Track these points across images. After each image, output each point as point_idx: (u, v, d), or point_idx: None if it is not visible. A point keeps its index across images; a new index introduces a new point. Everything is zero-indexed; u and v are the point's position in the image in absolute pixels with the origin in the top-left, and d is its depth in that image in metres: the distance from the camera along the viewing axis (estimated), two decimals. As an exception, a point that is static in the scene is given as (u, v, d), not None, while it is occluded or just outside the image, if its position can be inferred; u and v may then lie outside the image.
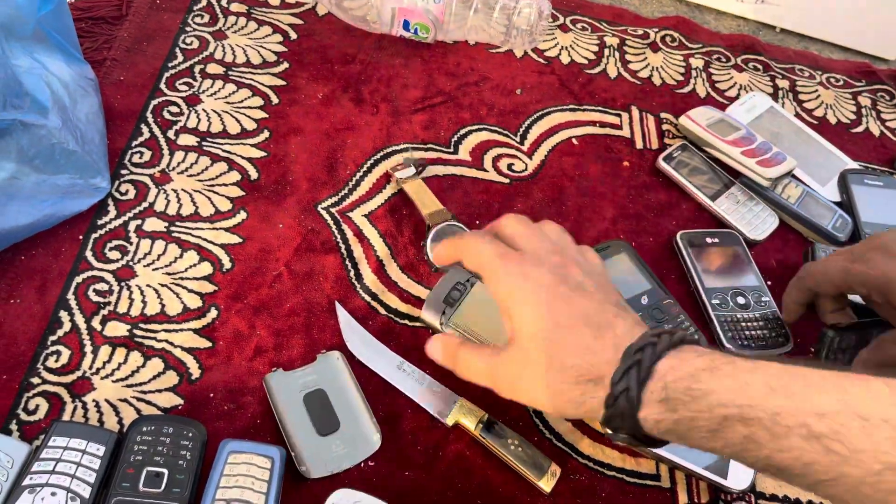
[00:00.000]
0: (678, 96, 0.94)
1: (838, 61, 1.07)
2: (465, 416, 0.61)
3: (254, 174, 0.74)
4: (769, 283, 0.76)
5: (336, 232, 0.72)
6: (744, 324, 0.70)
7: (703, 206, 0.82)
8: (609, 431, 0.47)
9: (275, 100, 0.80)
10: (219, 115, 0.78)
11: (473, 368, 0.52)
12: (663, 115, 0.91)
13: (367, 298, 0.68)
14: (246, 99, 0.80)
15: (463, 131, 0.83)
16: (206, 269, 0.67)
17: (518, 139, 0.84)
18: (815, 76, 1.02)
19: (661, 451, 0.61)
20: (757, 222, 0.80)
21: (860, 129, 0.97)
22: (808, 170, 0.88)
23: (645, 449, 0.61)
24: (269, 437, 0.59)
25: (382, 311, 0.68)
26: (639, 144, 0.87)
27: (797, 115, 0.96)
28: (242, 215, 0.71)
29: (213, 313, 0.64)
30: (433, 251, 0.58)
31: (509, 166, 0.82)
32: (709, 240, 0.77)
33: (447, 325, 0.64)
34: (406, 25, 0.86)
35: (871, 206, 0.84)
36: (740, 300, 0.72)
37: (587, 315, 0.47)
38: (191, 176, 0.72)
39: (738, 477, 0.62)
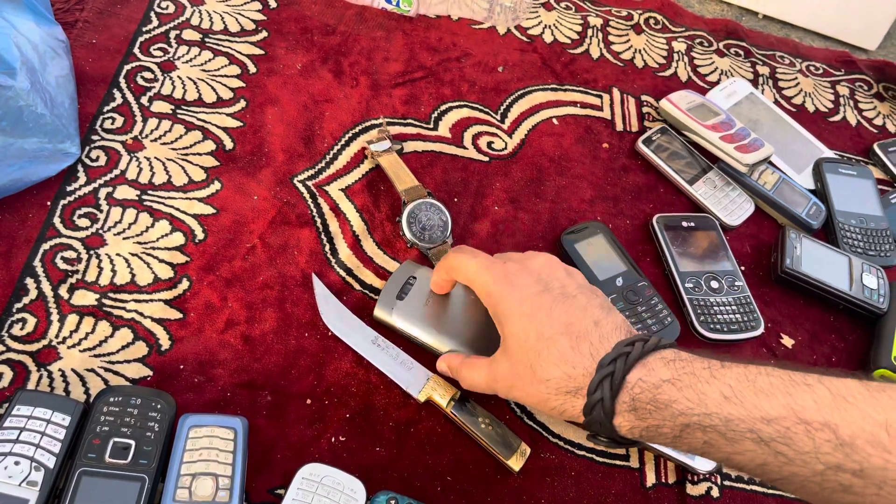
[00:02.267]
0: (660, 79, 0.94)
1: (819, 49, 1.07)
2: (438, 393, 0.61)
3: (229, 144, 0.73)
4: (743, 268, 0.77)
5: (312, 205, 0.71)
6: (716, 308, 0.71)
7: (680, 189, 0.82)
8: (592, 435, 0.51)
9: (252, 69, 0.79)
10: (194, 83, 0.76)
11: (475, 381, 0.56)
12: (644, 97, 0.91)
13: (342, 273, 0.67)
14: (223, 67, 0.78)
15: (443, 107, 0.82)
16: (179, 239, 0.66)
17: (499, 117, 0.84)
18: (796, 63, 1.03)
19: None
20: (733, 207, 0.81)
21: (837, 117, 0.98)
22: (785, 157, 0.89)
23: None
24: (239, 409, 0.58)
25: (357, 286, 0.67)
26: (619, 126, 0.87)
27: (776, 102, 0.96)
28: (216, 186, 0.70)
29: (184, 284, 0.63)
30: (432, 284, 0.63)
31: (489, 144, 0.81)
32: (685, 224, 0.78)
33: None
34: (388, -3, 0.85)
35: (844, 195, 0.85)
36: (713, 284, 0.73)
37: (568, 323, 0.50)
38: (164, 144, 0.71)
39: (706, 459, 0.62)
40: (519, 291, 0.52)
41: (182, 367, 0.59)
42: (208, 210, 0.68)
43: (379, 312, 0.63)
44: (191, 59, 0.77)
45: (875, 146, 0.94)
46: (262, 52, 0.81)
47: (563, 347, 0.49)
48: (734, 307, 0.71)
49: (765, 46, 1.04)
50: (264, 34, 0.82)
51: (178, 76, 0.76)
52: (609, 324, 0.50)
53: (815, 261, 0.76)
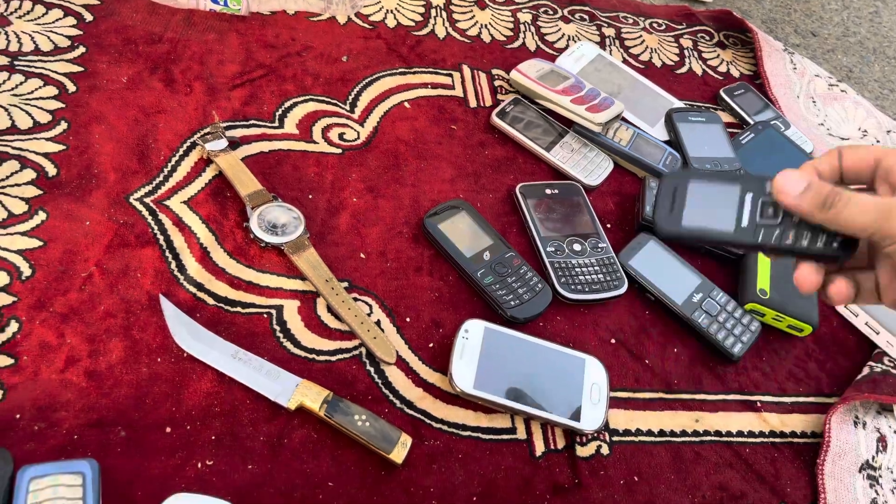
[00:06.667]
0: (508, 52, 0.94)
1: (659, 6, 1.10)
2: (309, 398, 0.58)
3: (52, 170, 0.67)
4: (609, 224, 0.78)
5: (152, 223, 0.66)
6: (578, 269, 0.71)
7: (539, 157, 0.82)
8: None
9: (71, 88, 0.73)
10: (5, 110, 0.70)
11: (859, 219, 0.43)
12: (495, 71, 0.90)
13: (193, 290, 0.63)
14: (37, 90, 0.72)
15: (288, 104, 0.79)
16: (2, 279, 0.60)
17: (348, 107, 0.81)
18: (639, 22, 1.05)
19: (515, 404, 0.61)
20: (592, 168, 0.81)
21: (684, 69, 1.00)
22: (638, 112, 0.90)
23: (502, 404, 0.61)
24: (89, 451, 0.53)
25: (211, 301, 0.63)
26: (472, 103, 0.86)
27: (624, 61, 0.98)
28: (41, 216, 0.64)
29: (13, 327, 0.58)
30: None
31: (340, 136, 0.78)
32: (548, 191, 0.77)
33: None
34: (214, -3, 0.81)
35: (696, 142, 0.87)
36: (576, 247, 0.73)
37: None
38: (-23, 179, 0.65)
39: (591, 419, 0.62)
40: None
41: (18, 416, 0.54)
42: (34, 243, 0.62)
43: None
44: (-1, 85, 0.71)
45: (721, 92, 0.97)
46: (80, 68, 0.75)
47: None
48: (597, 268, 0.71)
49: (608, 9, 1.05)
50: (82, 50, 0.76)
51: (-13, 104, 0.70)
52: None
53: (674, 208, 0.77)
